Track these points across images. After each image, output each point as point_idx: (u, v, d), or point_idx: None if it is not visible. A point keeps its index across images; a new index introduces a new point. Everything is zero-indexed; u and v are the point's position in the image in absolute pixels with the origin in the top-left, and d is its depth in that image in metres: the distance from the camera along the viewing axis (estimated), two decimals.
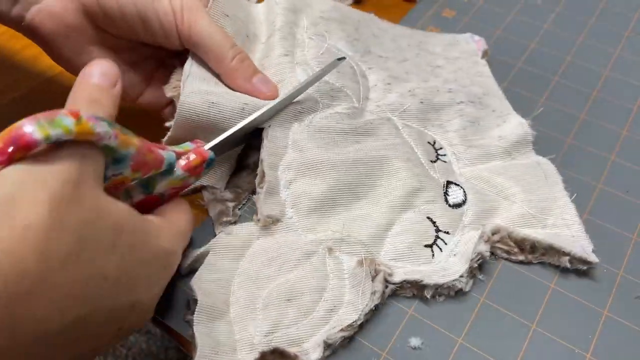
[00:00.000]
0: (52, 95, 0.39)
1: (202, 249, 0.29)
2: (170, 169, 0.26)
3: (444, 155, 0.35)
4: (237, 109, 0.31)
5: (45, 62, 0.41)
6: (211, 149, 0.29)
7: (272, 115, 0.32)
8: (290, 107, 0.33)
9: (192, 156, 0.27)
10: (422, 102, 0.37)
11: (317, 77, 0.33)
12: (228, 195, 0.33)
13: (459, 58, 0.42)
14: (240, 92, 0.33)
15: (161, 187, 0.27)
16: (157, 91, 0.34)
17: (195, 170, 0.28)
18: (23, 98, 0.39)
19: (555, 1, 0.50)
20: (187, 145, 0.28)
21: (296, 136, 0.32)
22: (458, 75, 0.40)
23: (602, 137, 0.39)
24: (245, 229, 0.30)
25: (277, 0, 0.38)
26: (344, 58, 0.35)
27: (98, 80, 0.24)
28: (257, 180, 0.31)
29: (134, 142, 0.23)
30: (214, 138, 0.30)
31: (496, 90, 0.40)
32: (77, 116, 0.20)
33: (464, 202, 0.33)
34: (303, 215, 0.30)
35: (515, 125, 0.36)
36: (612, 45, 0.46)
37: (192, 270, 0.29)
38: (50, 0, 0.30)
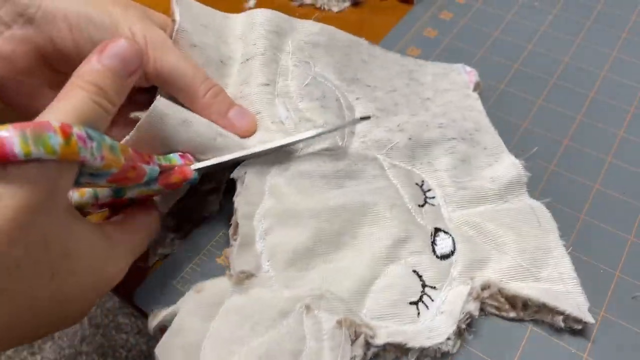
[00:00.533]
0: None
1: (169, 309, 0.26)
2: (148, 182, 0.26)
3: (433, 197, 0.33)
4: (209, 137, 0.29)
5: None
6: (197, 169, 0.28)
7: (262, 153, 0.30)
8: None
9: (174, 175, 0.27)
10: (410, 139, 0.34)
11: (326, 132, 0.31)
12: (170, 221, 0.31)
13: (449, 90, 0.40)
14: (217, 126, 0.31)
15: (133, 193, 0.26)
16: (124, 129, 0.29)
17: (172, 186, 0.27)
18: None
19: (553, 3, 0.50)
20: (175, 159, 0.27)
21: (274, 181, 0.30)
22: (448, 108, 0.38)
23: (599, 138, 0.39)
24: (216, 285, 0.28)
25: (260, 21, 0.36)
26: (368, 117, 0.33)
27: (113, 65, 0.22)
28: (230, 231, 0.29)
29: (118, 163, 0.22)
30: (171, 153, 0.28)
31: (488, 126, 0.38)
32: (67, 135, 0.19)
33: (452, 252, 0.31)
34: (280, 268, 0.28)
35: (508, 166, 0.34)
36: (610, 46, 0.46)
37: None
38: None
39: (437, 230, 0.31)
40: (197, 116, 0.30)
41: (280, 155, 0.31)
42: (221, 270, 0.30)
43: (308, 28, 0.38)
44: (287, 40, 0.36)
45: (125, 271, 0.25)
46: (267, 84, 0.34)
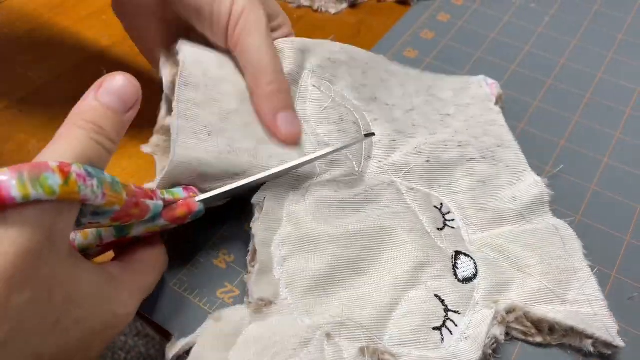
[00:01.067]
0: (51, 100, 0.39)
1: (187, 339, 0.26)
2: (153, 218, 0.25)
3: (452, 220, 0.33)
4: (226, 178, 0.29)
5: (44, 65, 0.41)
6: (202, 200, 0.28)
7: (269, 177, 0.30)
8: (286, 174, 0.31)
9: (179, 208, 0.26)
10: (428, 161, 0.34)
11: (335, 150, 0.31)
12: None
13: (470, 105, 0.39)
14: (261, 121, 0.31)
15: (138, 231, 0.25)
16: None
17: (178, 220, 0.27)
18: (21, 101, 0.39)
19: (550, 4, 0.50)
20: (178, 193, 0.27)
21: (291, 208, 0.30)
22: (470, 124, 0.37)
23: (596, 139, 0.39)
24: (236, 314, 0.27)
25: (286, 47, 0.35)
26: (372, 134, 0.33)
27: (110, 102, 0.22)
28: (248, 258, 0.29)
29: (120, 200, 0.22)
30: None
31: (510, 140, 0.37)
32: (66, 174, 0.18)
33: (474, 275, 0.30)
34: (299, 295, 0.28)
35: (530, 185, 0.34)
36: (606, 48, 0.46)
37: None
38: None
39: (457, 253, 0.31)
40: (211, 159, 0.29)
41: (298, 182, 0.31)
42: (217, 272, 0.30)
43: (329, 47, 0.37)
44: (310, 56, 0.36)
45: (133, 313, 0.25)
46: None
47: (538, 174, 0.36)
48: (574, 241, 0.31)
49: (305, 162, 0.30)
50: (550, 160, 0.37)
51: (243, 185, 0.29)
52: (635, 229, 0.34)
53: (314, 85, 0.35)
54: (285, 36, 0.35)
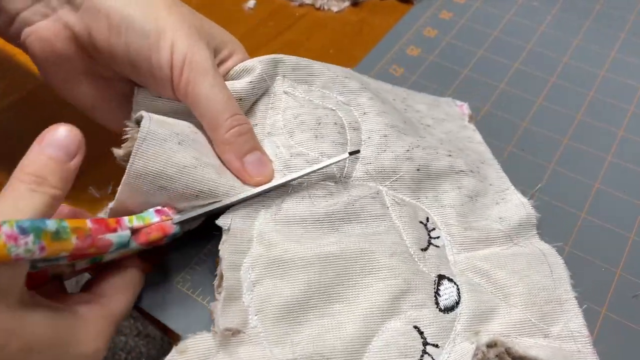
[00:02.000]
0: (48, 100, 0.39)
1: None
2: (122, 246, 0.25)
3: (437, 237, 0.31)
4: (190, 196, 0.27)
5: None
6: (179, 222, 0.27)
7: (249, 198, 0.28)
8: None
9: (153, 232, 0.26)
10: (418, 170, 0.32)
11: (317, 169, 0.29)
12: None
13: (445, 120, 0.37)
14: (228, 167, 0.29)
15: (111, 257, 0.25)
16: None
17: (153, 244, 0.26)
18: (19, 102, 0.39)
19: (552, 3, 0.50)
20: (149, 217, 0.26)
21: (262, 227, 0.28)
22: (449, 137, 0.36)
23: (599, 137, 0.39)
24: (202, 344, 0.25)
25: (255, 62, 0.32)
26: (357, 151, 0.30)
27: (52, 152, 0.22)
28: (215, 283, 0.27)
29: (67, 247, 0.21)
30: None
31: (491, 158, 0.36)
32: None
33: (457, 303, 0.28)
34: (269, 324, 0.26)
35: (517, 206, 0.32)
36: (609, 46, 0.46)
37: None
38: (42, 24, 0.28)
39: (441, 277, 0.29)
40: (174, 173, 0.27)
41: (270, 196, 0.29)
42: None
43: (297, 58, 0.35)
44: (282, 63, 0.33)
45: (104, 348, 0.24)
46: (255, 124, 0.32)
47: (542, 173, 0.36)
48: (562, 270, 0.30)
49: (277, 185, 0.28)
50: (554, 158, 0.37)
51: (221, 207, 0.28)
52: None
53: (285, 92, 0.33)
54: (238, 64, 0.32)
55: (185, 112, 0.30)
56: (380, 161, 0.31)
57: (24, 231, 0.19)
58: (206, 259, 0.30)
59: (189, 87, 0.28)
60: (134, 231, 0.25)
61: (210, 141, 0.30)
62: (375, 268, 0.28)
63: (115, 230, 0.24)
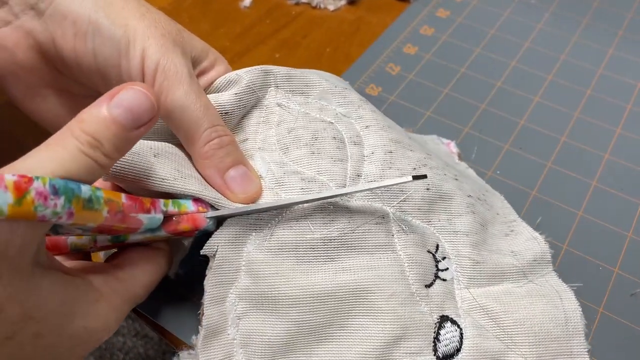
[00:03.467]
0: None
1: None
2: (150, 229, 0.23)
3: (445, 270, 0.28)
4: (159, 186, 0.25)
5: None
6: (213, 217, 0.25)
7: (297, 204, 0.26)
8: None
9: (183, 223, 0.24)
10: (428, 189, 0.28)
11: (335, 196, 0.26)
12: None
13: (436, 155, 0.34)
14: (210, 184, 0.26)
15: (136, 239, 0.24)
16: None
17: (182, 234, 0.24)
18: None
19: (549, 0, 0.50)
20: (186, 205, 0.24)
21: (251, 256, 0.25)
22: (449, 166, 0.33)
23: (597, 135, 0.39)
24: None
25: (242, 72, 0.30)
26: (424, 176, 0.26)
27: (118, 115, 0.20)
28: (200, 312, 0.25)
29: (97, 218, 0.20)
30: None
31: (493, 190, 0.33)
32: (21, 192, 0.17)
33: (457, 350, 0.26)
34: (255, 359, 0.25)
35: (528, 240, 0.30)
36: (606, 44, 0.46)
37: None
38: (3, 31, 0.26)
39: (443, 319, 0.26)
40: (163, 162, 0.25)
41: (262, 217, 0.26)
42: None
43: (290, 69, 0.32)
44: (274, 72, 0.31)
45: (114, 327, 0.23)
46: (246, 139, 0.29)
47: (539, 172, 0.36)
48: (578, 319, 0.27)
49: (274, 207, 0.26)
50: (552, 156, 0.37)
51: (263, 208, 0.25)
52: (637, 225, 0.34)
53: (279, 104, 0.30)
54: (220, 75, 0.29)
55: (166, 131, 0.28)
56: (386, 180, 0.28)
57: (56, 191, 0.18)
58: (203, 258, 0.30)
59: (161, 97, 0.25)
60: (166, 217, 0.24)
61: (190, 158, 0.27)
62: (371, 310, 0.25)
63: (149, 212, 0.22)
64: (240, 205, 0.25)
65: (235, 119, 0.29)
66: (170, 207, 0.24)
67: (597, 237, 0.33)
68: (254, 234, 0.26)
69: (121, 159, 0.24)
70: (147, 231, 0.24)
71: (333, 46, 0.44)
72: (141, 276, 0.24)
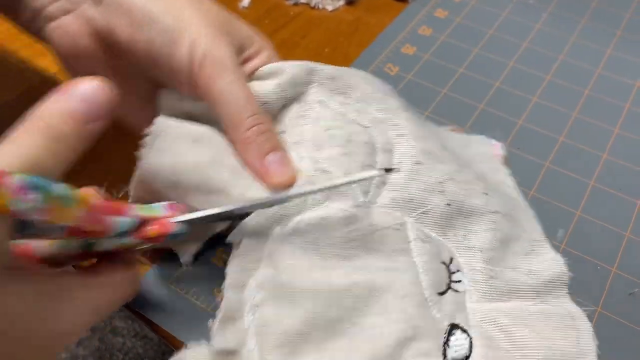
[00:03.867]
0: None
1: None
2: (122, 234, 0.23)
3: (458, 282, 0.28)
4: (202, 195, 0.26)
5: (40, 63, 0.41)
6: (187, 221, 0.25)
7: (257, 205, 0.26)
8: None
9: (151, 229, 0.23)
10: (449, 205, 0.29)
11: (328, 187, 0.26)
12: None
13: (476, 160, 0.34)
14: (248, 168, 0.28)
15: (107, 246, 0.23)
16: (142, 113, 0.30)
17: (152, 241, 0.24)
18: (18, 98, 0.39)
19: (548, 0, 0.50)
20: (157, 210, 0.24)
21: (274, 247, 0.26)
22: (485, 177, 0.32)
23: (595, 135, 0.39)
24: (199, 357, 0.25)
25: (286, 65, 0.31)
26: (391, 170, 0.27)
27: (80, 107, 0.20)
28: (217, 299, 0.26)
29: (69, 217, 0.19)
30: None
31: (525, 206, 0.33)
32: None
33: (467, 358, 0.26)
34: (267, 349, 0.25)
35: (548, 261, 0.30)
36: (604, 44, 0.46)
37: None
38: (66, 19, 0.28)
39: (453, 327, 0.27)
40: (187, 169, 0.26)
41: (286, 213, 0.27)
42: (215, 270, 0.30)
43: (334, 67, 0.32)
44: (318, 71, 0.31)
45: (79, 334, 0.22)
46: (283, 132, 0.30)
47: (537, 172, 0.36)
48: (589, 339, 0.27)
49: (292, 195, 0.26)
50: (550, 156, 0.37)
51: (232, 210, 0.26)
52: (635, 225, 0.34)
53: (320, 102, 0.31)
54: (265, 63, 0.31)
55: (208, 114, 0.29)
56: (409, 190, 0.29)
57: (35, 188, 0.17)
58: (200, 259, 0.30)
59: (208, 84, 0.27)
60: (139, 223, 0.23)
61: (229, 144, 0.28)
62: (383, 308, 0.26)
63: (120, 214, 0.22)
64: (214, 209, 0.25)
65: (275, 109, 0.30)
66: (142, 212, 0.24)
67: (595, 237, 0.33)
68: (278, 227, 0.27)
69: (161, 144, 0.26)
70: (117, 236, 0.23)
71: (332, 46, 0.45)
72: (112, 288, 0.24)
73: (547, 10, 0.49)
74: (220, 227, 0.29)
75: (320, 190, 0.26)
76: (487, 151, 0.36)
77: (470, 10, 0.49)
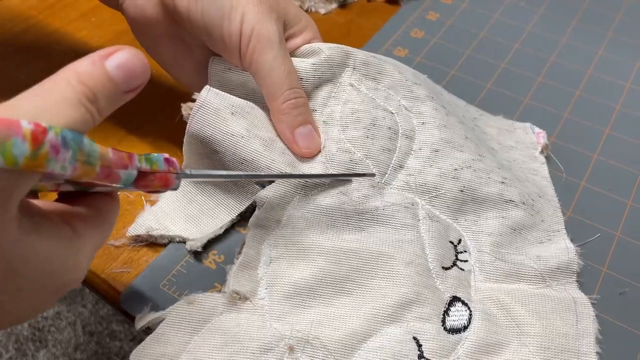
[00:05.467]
0: None
1: (157, 314, 0.27)
2: (124, 185, 0.22)
3: (465, 261, 0.30)
4: (235, 163, 0.30)
5: (35, 66, 0.41)
6: (181, 178, 0.25)
7: (275, 178, 0.30)
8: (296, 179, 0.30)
9: (155, 182, 0.23)
10: (462, 191, 0.31)
11: (337, 176, 0.30)
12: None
13: (513, 148, 0.36)
14: (280, 136, 0.31)
15: (101, 189, 0.23)
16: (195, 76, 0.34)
17: (148, 190, 0.24)
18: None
19: (538, 2, 0.50)
20: (157, 163, 0.24)
21: (292, 212, 0.29)
22: (513, 165, 0.34)
23: (586, 135, 0.39)
24: (209, 300, 0.27)
25: (324, 46, 0.33)
26: (373, 175, 0.31)
27: (116, 75, 0.20)
28: (237, 249, 0.29)
29: (91, 173, 0.19)
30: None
31: (551, 195, 0.34)
32: (37, 144, 0.15)
33: (465, 327, 0.27)
34: (276, 299, 0.27)
35: (560, 249, 0.30)
36: (596, 45, 0.47)
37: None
38: None
39: (455, 299, 0.28)
40: (224, 139, 0.30)
41: (307, 188, 0.30)
42: (207, 273, 0.30)
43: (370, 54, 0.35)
44: (354, 55, 0.33)
45: (85, 275, 0.23)
46: (314, 110, 0.33)
47: None
48: (589, 322, 0.28)
49: (306, 176, 0.30)
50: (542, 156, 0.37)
51: (230, 175, 0.27)
52: (625, 224, 0.34)
53: (351, 85, 0.33)
54: (308, 41, 0.33)
55: (253, 84, 0.32)
56: (424, 175, 0.31)
57: (66, 145, 0.16)
58: (193, 262, 0.30)
59: (253, 57, 0.30)
60: (139, 174, 0.23)
61: (268, 115, 0.32)
62: (389, 272, 0.28)
63: (126, 167, 0.21)
64: (210, 171, 0.28)
65: (309, 86, 0.33)
66: (144, 163, 0.23)
67: (586, 236, 0.33)
68: (297, 196, 0.30)
69: (204, 115, 0.30)
70: (120, 186, 0.22)
71: None
72: (108, 221, 0.24)
73: (538, 12, 0.50)
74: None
75: (321, 177, 0.30)
76: (529, 139, 0.37)
77: (462, 13, 0.49)
